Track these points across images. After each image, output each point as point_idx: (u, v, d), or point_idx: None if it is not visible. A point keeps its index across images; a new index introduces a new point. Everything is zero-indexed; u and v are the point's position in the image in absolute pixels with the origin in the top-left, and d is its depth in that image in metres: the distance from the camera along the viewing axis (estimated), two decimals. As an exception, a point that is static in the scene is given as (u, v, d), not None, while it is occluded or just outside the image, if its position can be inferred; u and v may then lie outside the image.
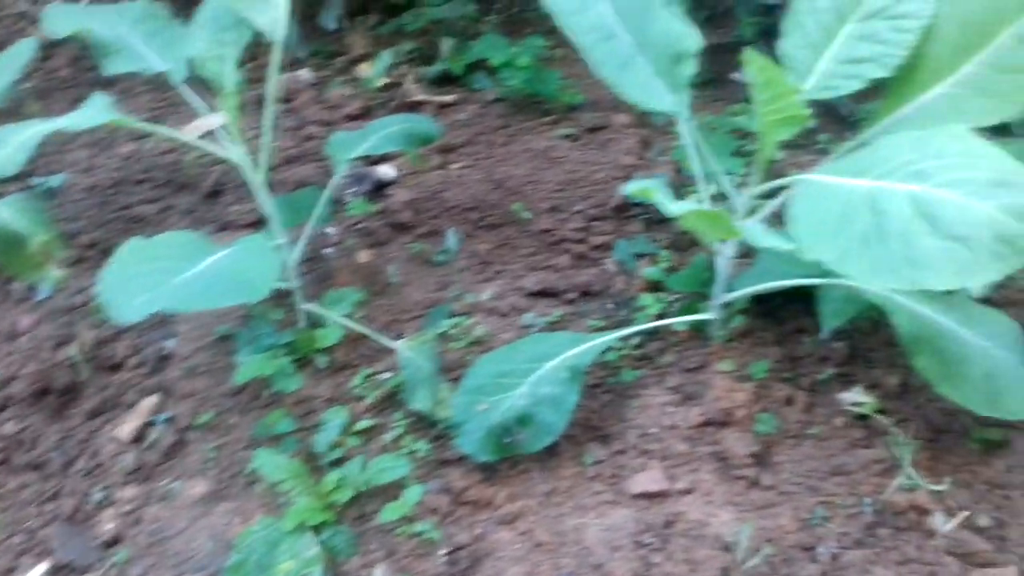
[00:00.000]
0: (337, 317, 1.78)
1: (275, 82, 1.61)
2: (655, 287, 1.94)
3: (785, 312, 1.87)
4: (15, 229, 1.73)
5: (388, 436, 1.70)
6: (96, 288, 1.36)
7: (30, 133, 1.39)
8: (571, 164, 2.22)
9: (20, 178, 2.24)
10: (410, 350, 1.71)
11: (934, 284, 1.06)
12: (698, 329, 1.85)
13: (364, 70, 2.59)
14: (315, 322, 1.83)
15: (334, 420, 1.69)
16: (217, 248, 1.45)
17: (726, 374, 1.75)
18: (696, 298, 1.87)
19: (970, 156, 1.11)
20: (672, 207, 1.17)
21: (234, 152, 1.62)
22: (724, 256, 1.69)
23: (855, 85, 1.45)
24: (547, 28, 2.63)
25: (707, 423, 1.70)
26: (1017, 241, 1.04)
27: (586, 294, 1.98)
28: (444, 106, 2.48)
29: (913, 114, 1.41)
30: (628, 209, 2.13)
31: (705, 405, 1.71)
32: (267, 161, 1.65)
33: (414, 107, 2.47)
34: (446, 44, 2.54)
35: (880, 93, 1.54)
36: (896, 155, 1.18)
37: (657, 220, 2.11)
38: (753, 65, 1.29)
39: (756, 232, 1.21)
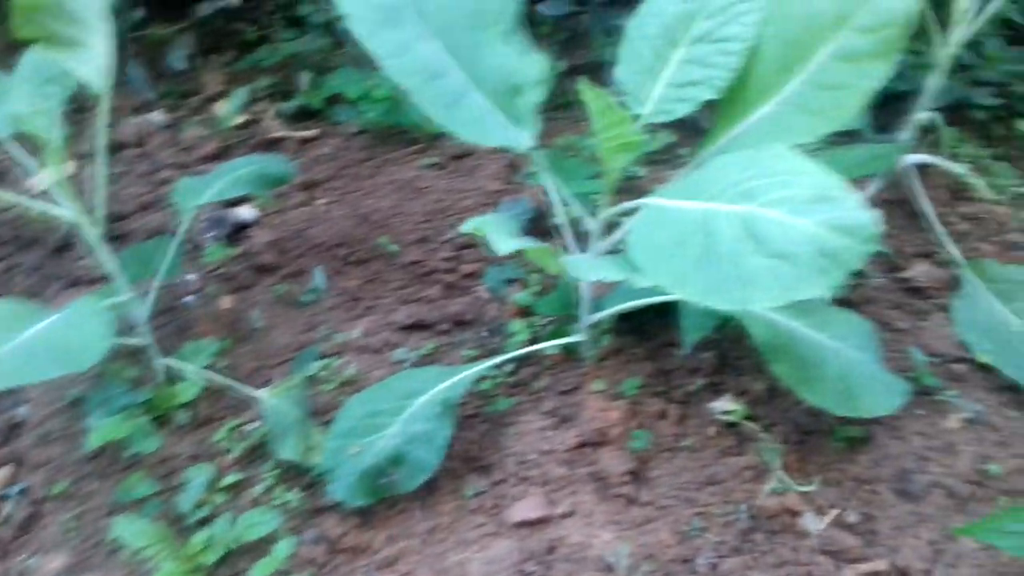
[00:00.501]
0: (196, 369, 1.72)
1: (104, 135, 1.55)
2: (525, 312, 1.95)
3: (653, 327, 1.91)
4: None
5: (257, 489, 1.65)
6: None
7: None
8: (437, 193, 2.22)
9: None
10: (274, 397, 1.66)
11: (763, 302, 1.10)
12: (570, 351, 1.87)
13: (220, 108, 2.53)
14: (174, 377, 1.77)
15: (198, 478, 1.63)
16: (45, 314, 1.38)
17: (599, 394, 1.77)
18: (565, 321, 1.89)
19: (793, 174, 1.15)
20: (503, 245, 1.18)
21: (67, 209, 1.55)
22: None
23: (689, 108, 1.49)
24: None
25: (583, 444, 1.72)
26: (839, 255, 1.08)
27: (459, 324, 1.98)
28: (305, 141, 2.45)
29: (743, 133, 1.46)
30: (496, 235, 2.14)
31: (580, 426, 1.73)
32: (104, 215, 1.59)
33: (274, 144, 2.43)
34: (303, 78, 2.50)
35: (716, 113, 1.60)
36: (725, 176, 1.21)
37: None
38: (587, 95, 1.32)
39: (583, 267, 1.23)
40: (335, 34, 2.74)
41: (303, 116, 2.51)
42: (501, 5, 1.60)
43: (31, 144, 1.67)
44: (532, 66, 1.63)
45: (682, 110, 1.49)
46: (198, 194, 1.77)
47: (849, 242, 1.07)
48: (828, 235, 1.09)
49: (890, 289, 2.01)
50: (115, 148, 2.40)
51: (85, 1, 1.41)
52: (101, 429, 1.63)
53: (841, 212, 1.11)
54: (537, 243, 1.25)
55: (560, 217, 1.75)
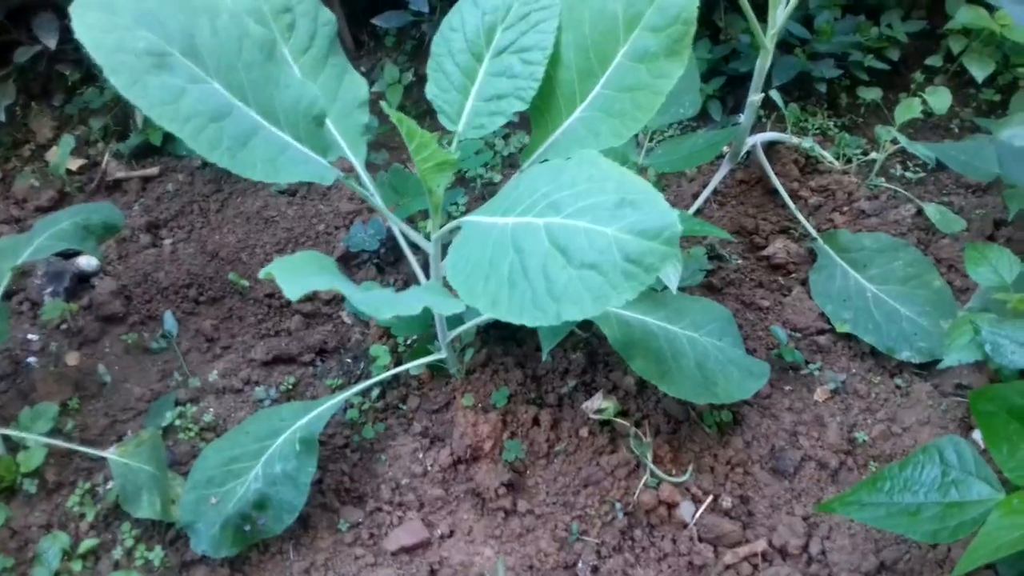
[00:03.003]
0: (37, 437, 1.69)
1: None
2: (387, 335, 1.98)
3: (522, 332, 1.96)
4: None
5: (117, 552, 1.62)
6: None
7: None
8: (287, 221, 2.23)
9: None
10: (124, 456, 1.65)
11: (574, 314, 1.14)
12: (435, 369, 1.91)
13: (54, 155, 2.47)
14: (15, 446, 1.73)
15: (53, 547, 1.60)
16: None
17: (469, 408, 1.81)
18: (427, 339, 1.93)
19: (597, 181, 1.19)
20: (292, 291, 1.16)
21: None
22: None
23: (501, 120, 1.53)
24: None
25: (457, 462, 1.76)
26: (643, 258, 1.12)
27: (321, 352, 2.00)
28: (148, 180, 2.42)
29: (557, 141, 1.50)
30: (356, 256, 2.16)
31: (452, 444, 1.76)
32: None
33: (115, 186, 2.39)
34: (139, 115, 2.47)
35: (530, 124, 1.65)
36: (536, 188, 1.25)
37: (388, 263, 2.15)
38: (394, 118, 1.35)
39: (371, 303, 1.22)
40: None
41: (143, 154, 2.48)
42: (308, 30, 1.63)
43: None
44: (351, 88, 1.66)
45: (494, 124, 1.53)
46: (15, 254, 1.73)
47: (652, 245, 1.12)
48: (631, 240, 1.13)
49: (750, 269, 2.10)
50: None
51: None
52: (-63, 511, 1.59)
53: (643, 216, 1.15)
54: (333, 284, 1.26)
55: (401, 241, 1.78)
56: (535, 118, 1.56)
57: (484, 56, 1.53)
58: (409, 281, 2.12)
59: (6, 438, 1.71)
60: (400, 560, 1.65)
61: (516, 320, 1.19)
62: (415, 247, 1.87)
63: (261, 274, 1.19)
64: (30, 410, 1.75)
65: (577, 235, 1.17)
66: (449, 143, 1.59)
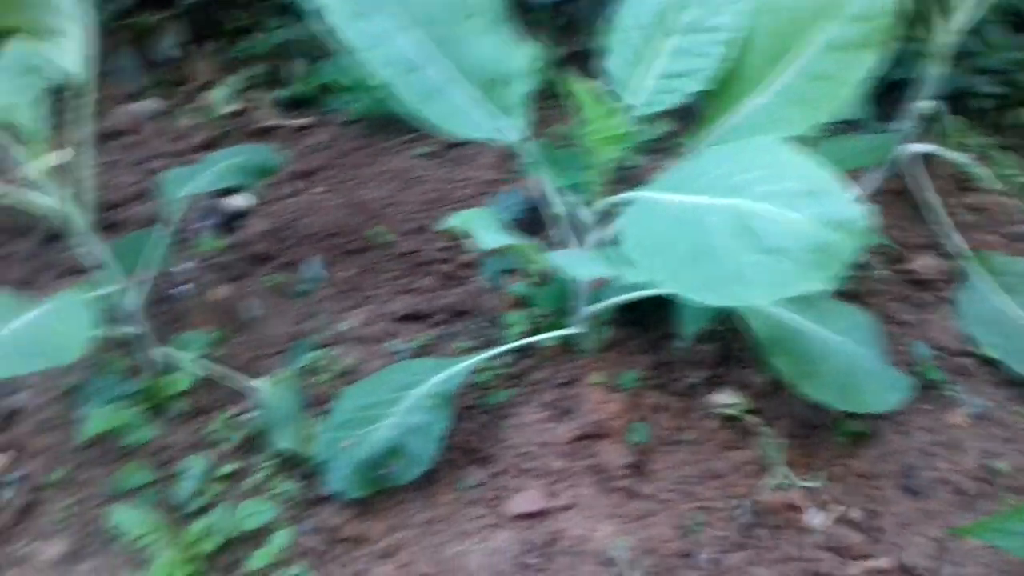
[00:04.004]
0: (190, 360, 1.77)
1: (89, 123, 1.59)
2: (523, 303, 2.00)
3: (653, 319, 1.96)
4: None
5: (254, 479, 1.69)
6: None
7: None
8: (432, 183, 2.27)
9: None
10: (271, 387, 1.71)
11: (758, 298, 1.13)
12: (568, 343, 1.92)
13: (212, 97, 2.57)
14: (168, 367, 1.81)
15: (195, 467, 1.67)
16: (31, 306, 1.43)
17: (597, 386, 1.82)
18: (563, 312, 1.94)
19: (783, 167, 1.18)
20: (488, 240, 1.21)
21: (54, 199, 1.60)
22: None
23: (678, 99, 1.53)
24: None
25: (582, 437, 1.77)
26: (832, 249, 1.11)
27: (456, 314, 2.03)
28: (299, 130, 2.49)
29: (735, 125, 1.49)
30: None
31: (579, 419, 1.78)
32: (93, 204, 1.63)
33: (267, 132, 2.47)
34: (297, 66, 2.55)
35: (708, 105, 1.64)
36: (716, 168, 1.24)
37: (527, 233, 2.17)
38: (574, 86, 1.36)
39: (571, 262, 1.26)
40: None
41: (297, 104, 2.56)
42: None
43: (19, 134, 1.72)
44: (520, 56, 1.67)
45: (672, 101, 1.53)
46: (186, 184, 1.81)
47: (842, 236, 1.11)
48: (821, 229, 1.13)
49: (893, 282, 2.06)
50: (108, 136, 2.44)
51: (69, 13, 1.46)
52: (95, 418, 1.67)
53: (833, 206, 1.14)
54: (524, 238, 1.29)
55: (555, 209, 1.79)
56: (711, 100, 1.55)
57: (670, 32, 1.53)
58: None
59: (161, 359, 1.80)
60: (519, 525, 1.66)
61: (694, 296, 1.19)
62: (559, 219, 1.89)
63: (450, 222, 1.22)
64: (187, 334, 1.84)
65: (763, 219, 1.16)
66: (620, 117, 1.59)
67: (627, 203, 1.42)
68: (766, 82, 1.47)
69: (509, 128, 1.46)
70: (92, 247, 1.65)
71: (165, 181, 1.85)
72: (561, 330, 1.88)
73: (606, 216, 1.72)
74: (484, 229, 1.21)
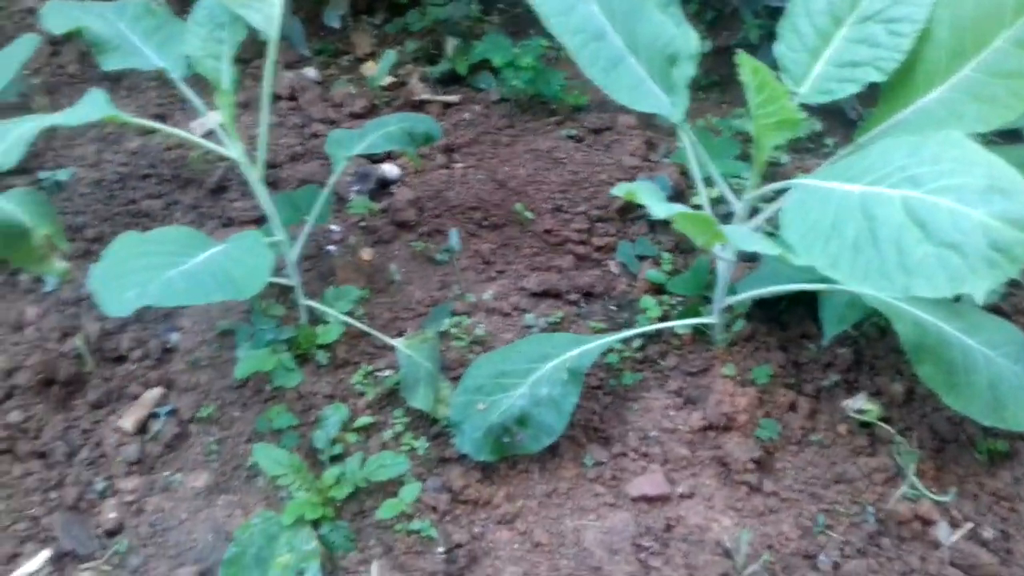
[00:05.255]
0: (338, 314, 1.79)
1: (271, 80, 1.62)
2: (657, 290, 1.95)
3: (789, 316, 1.87)
4: (19, 221, 1.74)
5: (387, 433, 1.71)
6: (90, 281, 1.37)
7: (27, 128, 1.39)
8: (575, 165, 2.23)
9: (28, 171, 2.26)
10: (410, 348, 1.72)
11: (927, 291, 1.06)
12: (700, 333, 1.86)
13: (369, 68, 2.60)
14: (316, 318, 1.84)
15: (334, 416, 1.70)
16: (212, 243, 1.46)
17: (728, 378, 1.76)
18: (698, 301, 1.88)
19: (964, 162, 1.10)
20: (659, 209, 1.18)
21: (233, 150, 1.63)
22: (724, 259, 1.70)
23: (851, 89, 1.44)
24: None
25: (709, 427, 1.71)
26: (1012, 248, 1.03)
27: (588, 295, 2.00)
28: (448, 105, 2.50)
29: (909, 119, 1.40)
30: (632, 211, 2.14)
31: (707, 409, 1.72)
32: (264, 159, 1.67)
33: (418, 106, 2.49)
34: (450, 44, 2.55)
35: (879, 97, 1.55)
36: (890, 160, 1.17)
37: (661, 222, 2.11)
38: (746, 68, 1.29)
39: (742, 236, 1.21)
40: (483, 1, 2.78)
41: (447, 81, 2.56)
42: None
43: (200, 86, 1.77)
44: (686, 39, 1.62)
45: (843, 91, 1.45)
46: (350, 146, 1.83)
47: (1022, 236, 1.03)
48: (1001, 227, 1.04)
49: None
50: (273, 98, 2.50)
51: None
52: (249, 360, 1.71)
53: (1016, 205, 1.06)
54: (694, 212, 1.24)
55: (701, 196, 1.74)
56: (884, 92, 1.46)
57: (845, 21, 1.44)
58: (680, 243, 2.07)
59: (310, 310, 1.83)
60: (639, 507, 1.62)
61: (858, 285, 1.13)
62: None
63: (616, 190, 1.18)
64: (334, 289, 1.86)
65: (939, 212, 1.08)
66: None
67: (780, 194, 1.36)
68: (944, 77, 1.37)
69: (672, 107, 1.41)
70: (261, 199, 1.69)
71: (330, 142, 1.88)
72: (694, 319, 1.82)
73: (754, 208, 1.65)
74: (654, 198, 1.17)
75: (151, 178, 2.25)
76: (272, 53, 1.56)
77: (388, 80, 2.51)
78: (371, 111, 2.49)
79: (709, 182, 1.76)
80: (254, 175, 1.64)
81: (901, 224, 1.12)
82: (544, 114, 2.42)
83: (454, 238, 2.06)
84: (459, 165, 2.31)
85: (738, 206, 1.57)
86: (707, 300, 1.84)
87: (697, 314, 1.83)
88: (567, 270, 2.03)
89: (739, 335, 1.83)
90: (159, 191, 2.22)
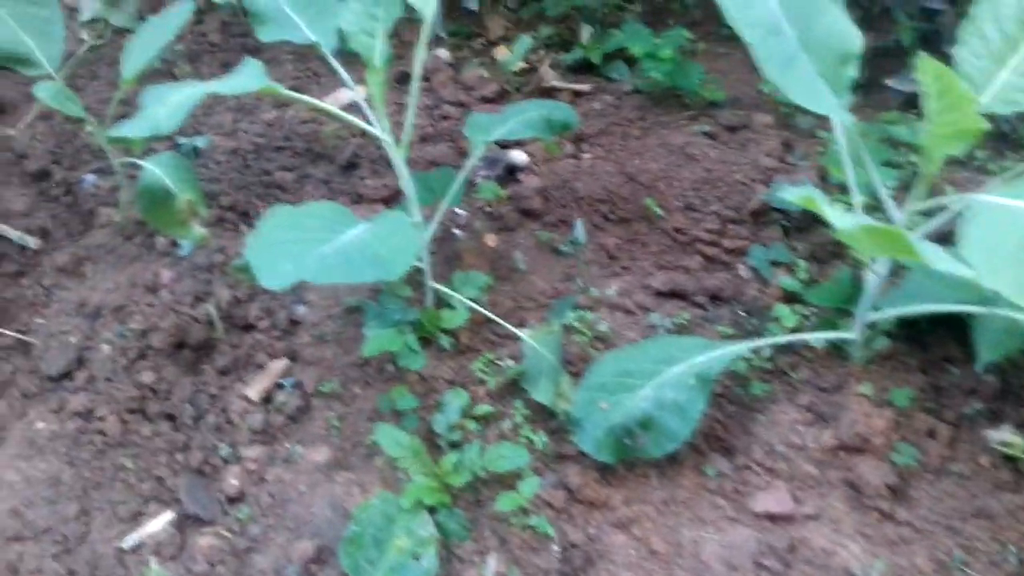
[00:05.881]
0: (464, 299, 1.76)
1: (422, 61, 1.59)
2: (791, 298, 1.85)
3: (932, 338, 1.75)
4: (164, 185, 1.77)
5: (506, 424, 1.67)
6: (244, 250, 1.37)
7: (188, 94, 1.40)
8: (708, 162, 2.13)
9: (166, 137, 2.30)
10: (535, 340, 1.67)
11: None
12: (836, 347, 1.75)
13: (501, 53, 2.56)
14: (441, 302, 1.81)
15: (454, 402, 1.67)
16: (357, 221, 1.44)
17: (864, 398, 1.65)
18: (836, 314, 1.77)
19: None
20: (840, 221, 1.09)
21: (379, 127, 1.61)
22: (876, 274, 1.59)
23: None
24: (691, 20, 2.54)
25: (840, 447, 1.61)
26: None
27: (716, 299, 1.91)
28: (579, 94, 2.43)
29: None
30: (766, 214, 2.03)
31: (839, 428, 1.62)
32: (409, 138, 1.64)
33: (548, 93, 2.43)
34: (585, 31, 2.48)
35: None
36: None
37: (797, 228, 2.00)
38: (928, 71, 1.18)
39: (934, 255, 1.11)
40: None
41: (580, 69, 2.49)
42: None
43: (346, 60, 1.75)
44: (854, 38, 1.51)
45: None
46: (490, 130, 1.79)
47: None
48: None
49: None
50: (402, 79, 2.49)
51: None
52: (376, 339, 1.70)
53: None
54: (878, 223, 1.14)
55: (854, 203, 1.62)
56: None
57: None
58: (817, 251, 1.96)
59: (436, 293, 1.80)
60: (761, 524, 1.54)
61: None
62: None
63: (790, 195, 1.10)
64: (462, 275, 1.83)
65: None
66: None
67: (952, 206, 1.25)
68: None
69: (839, 107, 1.31)
70: (403, 178, 1.66)
71: (470, 125, 1.84)
72: (833, 332, 1.71)
73: (913, 220, 1.53)
74: (828, 208, 1.08)
75: (285, 150, 2.27)
76: (426, 34, 1.53)
77: (519, 65, 2.46)
78: (501, 96, 2.44)
79: (843, 190, 1.64)
80: (398, 154, 1.61)
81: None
82: (677, 108, 2.33)
83: (579, 230, 2.00)
84: (587, 155, 2.25)
85: (899, 218, 1.45)
86: (846, 314, 1.73)
87: (835, 327, 1.72)
88: (695, 271, 1.95)
89: (878, 353, 1.72)
90: (292, 164, 2.23)
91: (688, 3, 2.57)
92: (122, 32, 2.67)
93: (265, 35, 1.72)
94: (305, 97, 1.63)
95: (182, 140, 2.30)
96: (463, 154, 2.23)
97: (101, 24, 2.66)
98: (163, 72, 2.51)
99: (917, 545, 1.49)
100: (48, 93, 1.83)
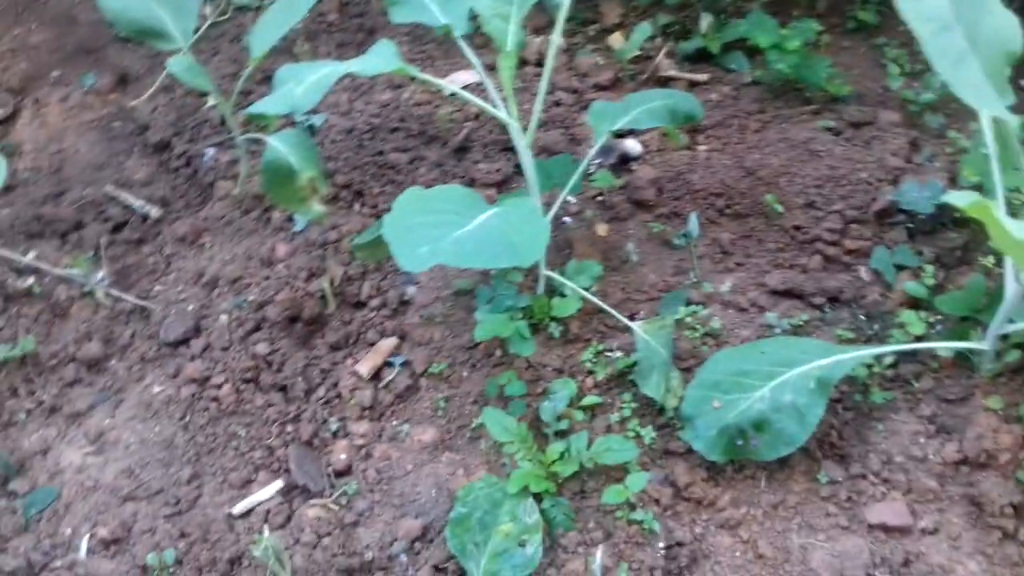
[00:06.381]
0: (576, 288, 1.75)
1: (556, 50, 1.59)
2: (917, 304, 1.77)
3: (1070, 352, 1.66)
4: (288, 162, 1.81)
5: (614, 416, 1.65)
6: (361, 229, 1.38)
7: (325, 73, 1.43)
8: (832, 159, 2.06)
9: (286, 113, 2.36)
10: (648, 333, 1.65)
11: None
12: (964, 358, 1.67)
13: (616, 40, 2.52)
14: (553, 290, 1.81)
15: (562, 391, 1.66)
16: (485, 206, 1.45)
17: (992, 411, 1.58)
18: (966, 324, 1.69)
19: None
20: (1019, 232, 1.02)
21: (506, 112, 1.61)
22: (1017, 284, 1.51)
23: None
24: (815, 12, 2.46)
25: (963, 461, 1.55)
26: None
27: (835, 301, 1.85)
28: (695, 84, 2.38)
29: None
30: (891, 215, 1.95)
31: (963, 442, 1.56)
32: (536, 124, 1.63)
33: (664, 82, 2.38)
34: (705, 20, 2.42)
35: None
36: None
37: (922, 231, 1.92)
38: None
39: None
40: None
41: (696, 59, 2.44)
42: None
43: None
44: (1017, 39, 1.43)
45: None
46: (613, 119, 1.78)
47: None
48: None
49: None
50: (519, 64, 2.48)
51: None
52: (487, 324, 1.70)
53: None
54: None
55: (1001, 210, 1.54)
56: None
57: None
58: (944, 256, 1.87)
59: (548, 281, 1.79)
60: (875, 536, 1.50)
61: None
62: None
63: (951, 199, 1.05)
64: (576, 263, 1.82)
65: None
66: None
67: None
68: None
69: (1005, 110, 1.25)
70: (526, 165, 1.66)
71: (593, 113, 1.83)
72: (962, 341, 1.64)
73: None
74: (1002, 216, 1.02)
75: (399, 132, 2.29)
76: (561, 19, 1.52)
77: (634, 53, 2.42)
78: (615, 83, 2.41)
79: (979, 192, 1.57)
80: (523, 141, 1.61)
81: None
82: (798, 102, 2.26)
83: (693, 223, 1.96)
84: (703, 148, 2.20)
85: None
86: (977, 323, 1.66)
87: (965, 337, 1.65)
88: (814, 271, 1.89)
89: (1010, 366, 1.64)
90: (406, 145, 2.25)
91: (812, -6, 2.49)
92: (243, 9, 2.74)
93: (399, 16, 1.74)
94: (437, 79, 1.64)
95: (299, 118, 2.35)
96: (576, 141, 2.22)
97: (224, 0, 2.74)
98: (282, 50, 2.56)
99: (1041, 569, 1.42)
100: (180, 67, 1.89)
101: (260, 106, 1.43)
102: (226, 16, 2.77)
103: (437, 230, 1.31)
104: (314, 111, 2.41)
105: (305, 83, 1.36)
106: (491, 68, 2.40)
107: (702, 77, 2.39)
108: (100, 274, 2.03)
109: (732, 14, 2.46)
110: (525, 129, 1.63)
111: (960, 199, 1.04)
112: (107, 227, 2.19)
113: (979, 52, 1.24)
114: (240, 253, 2.05)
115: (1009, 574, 1.43)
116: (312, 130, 2.33)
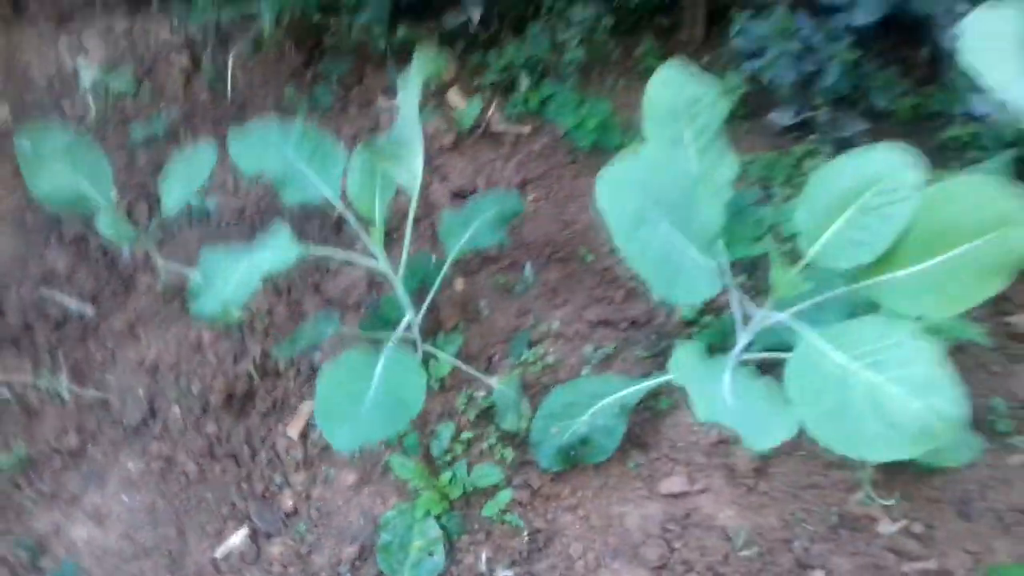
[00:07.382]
0: (447, 356, 2.36)
1: (412, 221, 2.10)
2: (689, 324, 2.46)
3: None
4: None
5: (484, 445, 2.31)
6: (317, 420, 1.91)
7: (245, 270, 1.82)
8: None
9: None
10: (502, 384, 2.29)
11: (874, 457, 1.57)
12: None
13: (454, 96, 2.99)
14: (427, 357, 2.41)
15: (444, 432, 2.30)
16: (373, 363, 2.00)
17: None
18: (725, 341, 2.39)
19: (917, 353, 1.55)
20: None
21: (384, 266, 2.14)
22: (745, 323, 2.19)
23: (849, 263, 1.76)
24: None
25: (721, 441, 2.27)
26: (936, 434, 1.50)
27: (634, 324, 2.51)
28: (520, 136, 2.91)
29: (890, 287, 1.75)
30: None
31: (721, 429, 2.27)
32: (404, 272, 2.19)
33: (496, 136, 2.91)
34: (524, 82, 2.91)
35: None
36: (865, 338, 1.63)
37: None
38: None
39: (711, 408, 1.66)
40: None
41: (521, 114, 2.94)
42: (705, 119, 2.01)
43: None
44: (724, 169, 2.04)
45: (846, 262, 1.78)
46: (460, 234, 2.36)
47: (946, 426, 1.51)
48: (933, 419, 1.52)
49: (994, 333, 2.37)
50: (371, 131, 2.95)
51: (412, 146, 1.94)
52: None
53: (946, 401, 1.54)
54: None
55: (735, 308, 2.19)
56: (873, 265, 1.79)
57: (849, 206, 1.76)
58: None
59: (425, 351, 2.39)
60: (667, 500, 2.20)
61: (834, 448, 1.62)
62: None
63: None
64: (444, 336, 2.42)
65: (892, 400, 1.56)
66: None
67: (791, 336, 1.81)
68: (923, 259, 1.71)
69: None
70: (403, 303, 2.24)
71: (443, 230, 2.42)
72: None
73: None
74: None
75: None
76: (413, 205, 2.03)
77: (472, 120, 2.90)
78: (456, 143, 2.92)
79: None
80: (400, 286, 2.17)
81: (866, 402, 1.59)
82: (610, 152, 2.81)
83: (528, 271, 2.56)
84: (531, 197, 2.78)
85: (742, 331, 2.08)
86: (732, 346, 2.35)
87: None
88: (619, 303, 2.55)
89: (749, 369, 2.35)
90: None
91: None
92: (123, 96, 3.06)
93: (289, 198, 2.18)
94: (328, 250, 2.12)
95: (195, 203, 2.78)
96: (429, 204, 2.75)
97: (102, 89, 3.02)
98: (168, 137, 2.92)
99: (771, 509, 2.14)
100: (107, 226, 2.28)
101: (199, 308, 1.87)
102: (108, 105, 3.03)
103: (349, 408, 1.88)
104: (206, 192, 2.84)
105: (232, 282, 1.81)
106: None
107: (526, 130, 2.93)
108: (61, 376, 2.48)
109: (547, 74, 2.98)
110: (396, 272, 2.17)
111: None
112: (51, 325, 2.62)
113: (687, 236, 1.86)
114: (171, 341, 2.54)
115: (753, 514, 2.16)
116: (207, 213, 2.78)
